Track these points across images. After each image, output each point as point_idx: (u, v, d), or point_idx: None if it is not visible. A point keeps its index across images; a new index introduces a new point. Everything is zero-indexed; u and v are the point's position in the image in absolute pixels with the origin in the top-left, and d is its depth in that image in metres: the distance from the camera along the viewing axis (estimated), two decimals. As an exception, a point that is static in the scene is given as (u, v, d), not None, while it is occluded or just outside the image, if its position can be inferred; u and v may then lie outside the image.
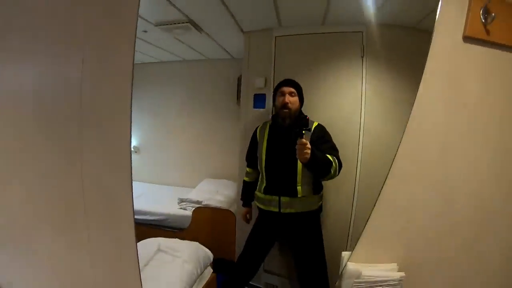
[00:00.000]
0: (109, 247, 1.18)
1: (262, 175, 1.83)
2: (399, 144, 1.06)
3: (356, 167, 1.82)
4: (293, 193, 1.74)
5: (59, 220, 1.23)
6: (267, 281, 2.20)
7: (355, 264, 1.10)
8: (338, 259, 1.83)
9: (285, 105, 1.70)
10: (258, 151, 1.84)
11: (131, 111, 1.05)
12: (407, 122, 1.06)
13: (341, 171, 1.68)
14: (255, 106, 2.04)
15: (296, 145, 1.51)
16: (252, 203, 2.00)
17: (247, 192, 2.03)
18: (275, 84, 1.84)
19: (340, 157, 1.69)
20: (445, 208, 1.10)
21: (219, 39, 2.27)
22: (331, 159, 1.62)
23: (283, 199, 1.76)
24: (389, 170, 1.07)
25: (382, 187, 1.09)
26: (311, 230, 1.84)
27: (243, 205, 2.05)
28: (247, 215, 2.04)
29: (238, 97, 2.36)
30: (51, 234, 1.26)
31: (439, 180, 1.08)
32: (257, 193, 1.90)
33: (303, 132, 1.50)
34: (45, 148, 1.16)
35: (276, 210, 1.78)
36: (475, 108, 1.07)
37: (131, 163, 1.08)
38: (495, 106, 1.08)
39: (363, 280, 1.05)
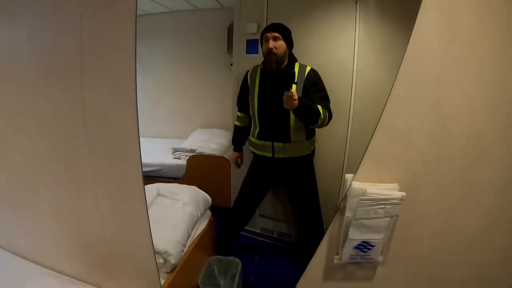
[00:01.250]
0: (115, 186, 1.19)
1: (255, 121, 1.84)
2: (398, 70, 1.09)
3: (349, 111, 1.85)
4: (286, 139, 1.76)
5: (61, 165, 1.23)
6: (263, 225, 2.28)
7: (360, 183, 1.15)
8: (332, 201, 1.90)
9: (270, 51, 1.68)
10: (249, 97, 1.83)
11: (135, 42, 1.03)
12: (405, 50, 1.08)
13: (334, 115, 1.70)
14: (247, 52, 2.05)
15: (284, 96, 1.52)
16: (245, 147, 2.03)
17: (238, 137, 2.05)
18: (267, 30, 1.84)
19: (333, 102, 1.71)
20: (441, 135, 1.14)
21: (209, -14, 2.23)
22: (320, 109, 1.62)
23: (276, 144, 1.78)
24: (389, 94, 1.10)
25: (383, 111, 1.12)
26: (305, 173, 1.88)
27: (234, 149, 2.08)
28: (238, 160, 2.07)
29: (229, 46, 2.34)
30: (53, 181, 1.27)
31: (435, 106, 1.11)
32: (250, 138, 1.92)
33: (290, 85, 1.50)
34: (46, 93, 1.15)
35: (270, 155, 1.81)
36: (468, 42, 1.10)
37: (136, 95, 1.07)
38: (488, 41, 1.11)
39: (368, 198, 1.09)
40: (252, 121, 1.87)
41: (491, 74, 1.13)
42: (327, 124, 1.68)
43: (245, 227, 2.15)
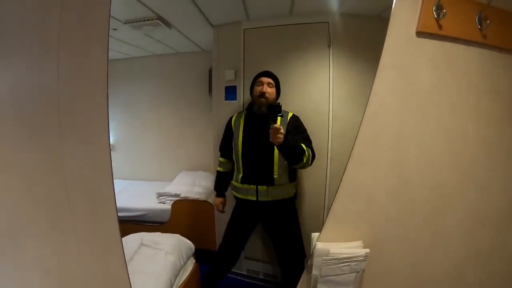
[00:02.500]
0: (96, 244, 1.22)
1: (239, 165, 1.86)
2: (357, 132, 1.14)
3: (327, 153, 1.88)
4: (270, 182, 1.79)
5: (46, 224, 1.25)
6: (249, 267, 2.26)
7: (323, 243, 1.19)
8: (314, 241, 1.92)
9: (262, 94, 1.74)
10: (233, 141, 1.87)
11: (107, 109, 1.08)
12: (364, 111, 1.13)
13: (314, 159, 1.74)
14: (226, 98, 2.08)
15: (270, 130, 1.55)
16: (227, 192, 2.05)
17: (221, 183, 2.06)
18: (245, 76, 1.91)
19: (312, 144, 1.76)
20: (402, 188, 1.19)
21: (188, 34, 2.28)
22: (304, 147, 1.67)
23: (260, 188, 1.81)
24: (349, 155, 1.15)
25: (344, 171, 1.17)
26: (288, 216, 1.91)
27: (217, 195, 2.09)
28: (221, 205, 2.08)
29: (210, 89, 2.39)
30: (39, 238, 1.28)
31: (395, 162, 1.17)
32: (233, 182, 1.94)
33: (277, 118, 1.57)
34: (27, 152, 1.18)
35: (254, 198, 1.84)
36: (428, 96, 1.16)
37: (111, 160, 1.12)
38: (447, 95, 1.17)
39: (332, 258, 1.14)
40: (235, 166, 1.89)
41: (452, 124, 1.19)
42: (311, 164, 1.72)
43: (231, 270, 2.15)
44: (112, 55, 2.38)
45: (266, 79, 1.78)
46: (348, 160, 1.17)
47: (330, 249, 1.16)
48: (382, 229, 1.23)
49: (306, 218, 1.95)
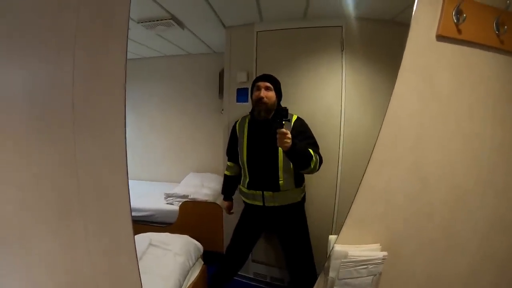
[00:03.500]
0: (107, 242, 1.21)
1: (245, 171, 1.86)
2: (378, 134, 1.13)
3: (338, 157, 1.87)
4: (275, 188, 1.78)
5: (54, 220, 1.25)
6: (256, 270, 2.25)
7: (342, 245, 1.18)
8: (323, 245, 1.90)
9: (261, 99, 1.73)
10: (238, 147, 1.86)
11: (125, 105, 1.07)
12: (385, 114, 1.12)
13: (324, 161, 1.73)
14: (238, 100, 2.07)
15: (277, 134, 1.53)
16: (236, 195, 2.05)
17: (228, 187, 2.07)
18: (257, 79, 1.89)
19: (322, 148, 1.74)
20: (420, 191, 1.19)
21: (201, 34, 2.28)
22: (312, 153, 1.65)
23: (266, 193, 1.80)
24: (370, 157, 1.14)
25: (364, 174, 1.16)
26: (296, 220, 1.89)
27: (224, 199, 2.10)
28: (228, 209, 2.09)
29: (221, 91, 2.39)
30: (46, 235, 1.28)
31: (414, 165, 1.16)
32: (241, 187, 1.94)
33: (283, 122, 1.53)
34: (39, 147, 1.17)
35: (261, 204, 1.83)
36: (447, 100, 1.15)
37: (126, 157, 1.11)
38: (465, 98, 1.17)
39: (350, 260, 1.13)
40: (242, 171, 1.89)
41: (470, 129, 1.18)
42: (318, 169, 1.70)
43: (238, 272, 2.14)
44: (123, 55, 2.41)
45: (263, 83, 1.75)
46: (368, 163, 1.16)
47: (349, 251, 1.15)
48: (399, 232, 1.22)
49: (316, 222, 1.94)
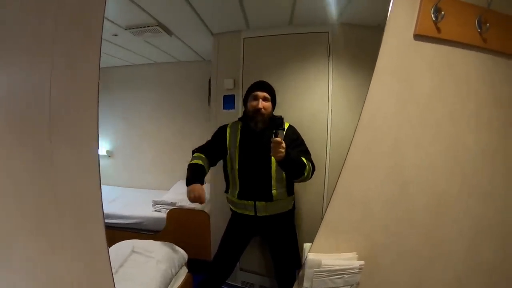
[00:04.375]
0: (82, 249, 1.20)
1: (235, 180, 1.83)
2: (352, 139, 1.11)
3: (325, 164, 1.86)
4: (268, 198, 1.76)
5: (33, 226, 1.23)
6: (244, 279, 2.22)
7: (315, 254, 1.15)
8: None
9: (259, 111, 1.69)
10: (230, 155, 1.82)
11: (97, 115, 1.07)
12: (359, 117, 1.11)
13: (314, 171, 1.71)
14: (224, 107, 2.07)
15: (271, 144, 1.50)
16: (223, 203, 1.99)
17: (197, 172, 1.80)
18: (244, 85, 1.89)
19: (311, 156, 1.73)
20: (400, 198, 1.15)
21: (189, 42, 2.29)
22: (305, 161, 1.63)
23: (258, 203, 1.78)
24: (343, 163, 1.12)
25: (338, 180, 1.14)
26: (286, 228, 1.88)
27: (191, 182, 1.77)
28: (200, 192, 1.73)
29: (210, 99, 2.39)
30: (26, 241, 1.26)
31: (392, 170, 1.13)
32: (230, 197, 1.90)
33: (278, 131, 1.50)
34: (17, 155, 1.16)
35: (252, 214, 1.80)
36: (426, 102, 1.13)
37: (99, 167, 1.10)
38: (446, 100, 1.15)
39: (323, 269, 1.10)
40: (230, 180, 1.86)
41: (452, 130, 1.16)
42: (311, 177, 1.68)
43: (226, 281, 2.11)
44: (112, 61, 2.42)
45: (261, 94, 1.72)
46: (342, 167, 1.14)
47: (322, 260, 1.11)
48: (378, 240, 1.18)
49: (304, 230, 1.92)
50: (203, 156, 1.88)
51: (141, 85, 2.74)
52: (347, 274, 1.11)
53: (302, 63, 1.91)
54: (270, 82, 1.80)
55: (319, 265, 1.10)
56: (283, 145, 1.50)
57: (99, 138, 1.11)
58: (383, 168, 1.13)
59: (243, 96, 1.85)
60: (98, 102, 1.07)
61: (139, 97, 2.73)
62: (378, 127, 1.11)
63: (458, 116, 1.16)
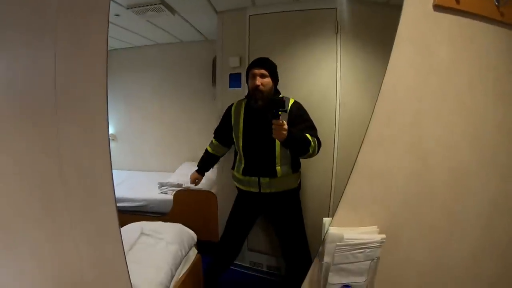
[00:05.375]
0: (92, 232, 1.18)
1: (240, 156, 1.83)
2: (373, 110, 1.09)
3: (334, 142, 1.83)
4: (272, 174, 1.75)
5: (39, 210, 1.21)
6: (252, 259, 2.23)
7: (337, 228, 1.13)
8: (319, 233, 1.88)
9: (257, 88, 1.68)
10: (234, 132, 1.83)
11: (106, 88, 1.04)
12: (380, 88, 1.08)
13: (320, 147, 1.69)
14: (230, 86, 2.05)
15: (272, 125, 1.49)
16: (229, 183, 2.00)
17: (206, 162, 2.09)
18: (250, 63, 1.85)
19: (318, 132, 1.70)
20: (421, 170, 1.13)
21: (192, 20, 2.24)
22: (309, 138, 1.62)
23: (262, 180, 1.78)
24: (365, 134, 1.10)
25: (359, 152, 1.11)
26: (291, 207, 1.87)
27: (197, 171, 2.11)
28: (196, 181, 2.10)
29: (214, 79, 2.36)
30: (32, 226, 1.24)
31: (413, 142, 1.10)
32: (235, 173, 1.90)
33: (279, 113, 1.48)
34: (21, 133, 1.14)
35: (256, 190, 1.80)
36: (446, 74, 1.10)
37: (109, 143, 1.09)
38: (464, 72, 1.12)
39: (345, 243, 1.07)
40: (237, 156, 1.86)
41: (471, 103, 1.13)
42: (317, 152, 1.67)
43: (234, 262, 2.11)
44: (115, 44, 2.38)
45: (258, 71, 1.70)
46: (363, 139, 1.11)
47: (344, 234, 1.09)
48: (399, 214, 1.15)
49: (311, 209, 1.91)
50: (215, 142, 1.99)
51: (143, 66, 2.70)
52: (368, 248, 1.08)
53: (309, 40, 1.87)
54: (276, 59, 1.77)
55: (341, 239, 1.07)
56: (285, 126, 1.49)
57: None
58: (404, 141, 1.10)
59: (245, 75, 1.83)
60: (107, 75, 1.04)
61: (142, 79, 2.70)
62: (399, 98, 1.08)
63: (477, 89, 1.13)
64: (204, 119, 2.59)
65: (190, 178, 2.11)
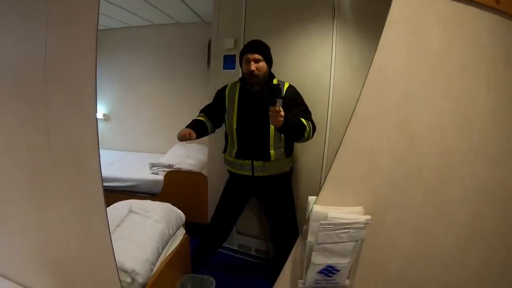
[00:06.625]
0: (78, 202, 1.19)
1: (233, 139, 1.82)
2: (362, 88, 1.08)
3: (326, 127, 1.83)
4: (266, 157, 1.75)
5: (27, 181, 1.21)
6: (241, 242, 2.23)
7: (321, 206, 1.12)
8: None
9: (251, 73, 1.68)
10: (227, 115, 1.82)
11: (95, 61, 1.03)
12: (370, 66, 1.07)
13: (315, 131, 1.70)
14: (224, 68, 2.04)
15: (269, 112, 1.50)
16: (222, 165, 1.98)
17: (195, 125, 1.86)
18: (245, 45, 1.83)
19: (311, 116, 1.71)
20: (408, 153, 1.12)
21: (189, 1, 2.21)
22: (305, 122, 1.63)
23: (256, 163, 1.78)
24: (352, 112, 1.09)
25: (346, 129, 1.11)
26: (283, 191, 1.87)
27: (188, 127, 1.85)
28: (188, 135, 1.80)
29: (209, 62, 2.34)
30: (20, 197, 1.24)
31: (402, 123, 1.10)
32: (227, 157, 1.90)
33: (276, 100, 1.49)
34: (10, 108, 1.13)
35: (249, 174, 1.80)
36: (437, 57, 1.09)
37: (96, 117, 1.07)
38: (456, 56, 1.11)
39: (329, 222, 1.06)
40: (229, 140, 1.85)
41: (461, 88, 1.13)
42: (312, 137, 1.68)
43: (223, 244, 2.12)
44: (109, 22, 2.35)
45: (252, 56, 1.69)
46: (351, 117, 1.10)
47: (328, 212, 1.08)
48: (385, 195, 1.15)
49: (302, 194, 1.90)
50: (205, 116, 1.91)
51: (138, 47, 2.67)
52: (353, 228, 1.07)
53: (305, 24, 1.85)
54: (272, 42, 1.76)
55: (325, 217, 1.06)
56: (282, 113, 1.50)
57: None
58: (392, 120, 1.09)
59: (239, 59, 1.82)
60: (96, 49, 1.03)
61: (136, 59, 2.67)
62: (388, 77, 1.07)
63: (468, 74, 1.12)
64: (197, 101, 2.57)
65: (179, 134, 1.84)
